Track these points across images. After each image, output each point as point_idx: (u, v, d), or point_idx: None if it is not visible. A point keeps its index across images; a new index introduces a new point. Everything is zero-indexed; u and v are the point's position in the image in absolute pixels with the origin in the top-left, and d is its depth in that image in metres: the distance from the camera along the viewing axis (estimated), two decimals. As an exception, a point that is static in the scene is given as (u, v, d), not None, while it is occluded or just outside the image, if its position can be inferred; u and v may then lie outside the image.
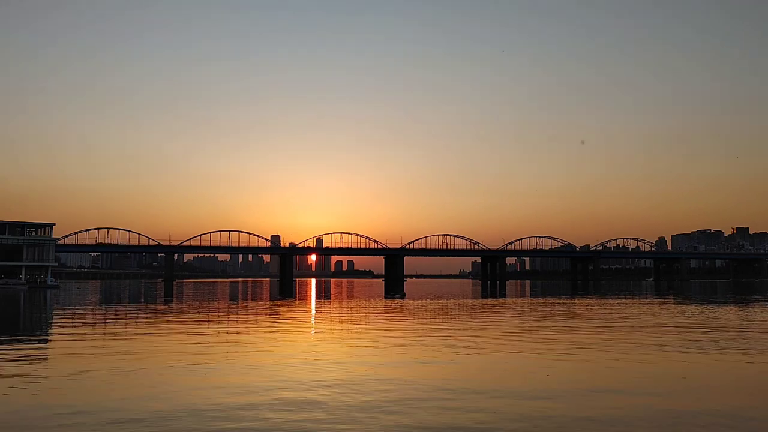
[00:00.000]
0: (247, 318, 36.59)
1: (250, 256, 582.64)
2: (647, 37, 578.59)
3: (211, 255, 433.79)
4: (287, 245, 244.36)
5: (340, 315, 40.21)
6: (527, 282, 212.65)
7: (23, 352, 20.24)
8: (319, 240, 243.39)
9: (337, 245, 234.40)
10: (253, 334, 26.13)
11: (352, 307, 48.77)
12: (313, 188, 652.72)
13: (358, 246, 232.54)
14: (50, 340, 24.71)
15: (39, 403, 12.25)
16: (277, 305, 52.15)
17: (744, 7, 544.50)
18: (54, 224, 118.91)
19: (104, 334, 27.13)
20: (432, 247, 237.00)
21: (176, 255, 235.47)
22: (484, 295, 77.80)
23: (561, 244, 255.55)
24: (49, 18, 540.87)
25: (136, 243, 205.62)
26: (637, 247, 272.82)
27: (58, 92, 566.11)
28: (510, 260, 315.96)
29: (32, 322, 34.57)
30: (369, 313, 42.05)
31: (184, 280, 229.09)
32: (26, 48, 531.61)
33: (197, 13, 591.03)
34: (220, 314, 39.90)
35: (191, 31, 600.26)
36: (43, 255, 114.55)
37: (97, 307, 48.71)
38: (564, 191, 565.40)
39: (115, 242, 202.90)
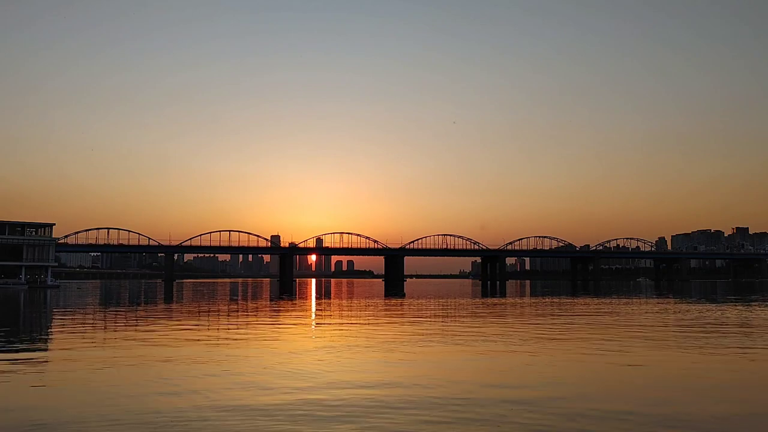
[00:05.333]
0: (247, 318, 36.58)
1: (250, 256, 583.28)
2: (647, 38, 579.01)
3: (211, 255, 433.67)
4: (287, 245, 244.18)
5: (341, 314, 40.17)
6: (527, 282, 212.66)
7: (22, 352, 20.23)
8: (319, 240, 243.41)
9: (337, 245, 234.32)
10: (253, 334, 26.11)
11: (352, 307, 48.76)
12: (313, 188, 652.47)
13: (358, 246, 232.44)
14: (50, 340, 24.68)
15: (37, 403, 12.24)
16: (277, 305, 52.13)
17: (744, 7, 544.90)
18: (54, 224, 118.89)
19: (104, 333, 27.13)
20: (432, 247, 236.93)
21: (176, 255, 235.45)
22: (485, 295, 77.83)
23: (561, 244, 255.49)
24: (50, 18, 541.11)
25: (136, 243, 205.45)
26: (637, 247, 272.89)
27: (58, 92, 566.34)
28: (510, 260, 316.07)
29: (32, 322, 34.55)
30: (370, 312, 42.02)
31: (184, 280, 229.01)
32: (27, 48, 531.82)
33: (198, 14, 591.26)
34: (220, 314, 39.89)
35: (192, 31, 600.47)
36: (43, 255, 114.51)
37: (97, 307, 48.70)
38: (564, 191, 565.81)
39: (116, 242, 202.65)
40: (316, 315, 39.59)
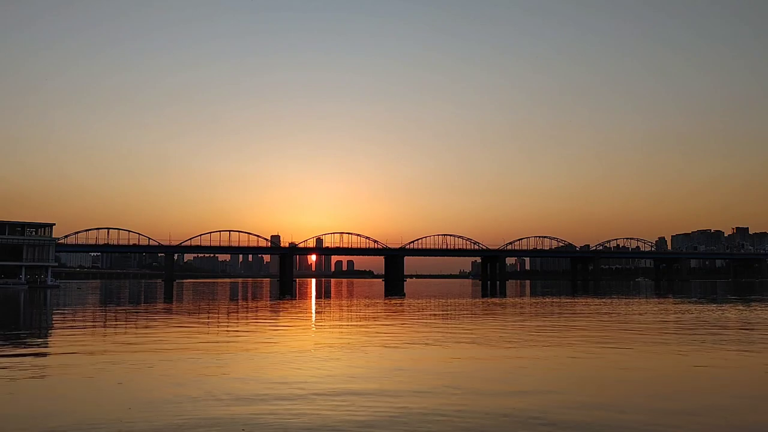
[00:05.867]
0: (247, 318, 36.59)
1: (250, 256, 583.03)
2: (647, 38, 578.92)
3: (211, 255, 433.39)
4: (287, 245, 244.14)
5: (341, 315, 40.15)
6: (527, 282, 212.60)
7: (22, 353, 20.22)
8: (319, 240, 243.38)
9: (337, 245, 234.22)
10: (253, 334, 26.13)
11: (352, 308, 48.75)
12: (313, 188, 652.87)
13: (358, 246, 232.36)
14: (50, 340, 24.67)
15: (37, 404, 12.24)
16: (277, 305, 52.12)
17: (743, 7, 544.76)
18: (54, 224, 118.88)
19: (103, 334, 27.13)
20: (432, 247, 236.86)
21: (176, 255, 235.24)
22: (485, 295, 77.82)
23: (561, 244, 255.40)
24: (51, 18, 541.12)
25: (136, 243, 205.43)
26: (637, 247, 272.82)
27: (59, 92, 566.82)
28: (510, 260, 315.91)
29: (32, 322, 34.53)
30: (370, 313, 42.01)
31: (184, 280, 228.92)
32: (28, 47, 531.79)
33: (198, 14, 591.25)
34: (219, 314, 39.88)
35: (192, 31, 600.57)
36: (43, 255, 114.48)
37: (97, 307, 48.69)
38: (564, 191, 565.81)
39: (116, 242, 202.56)
40: (315, 316, 39.57)
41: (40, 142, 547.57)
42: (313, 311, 43.85)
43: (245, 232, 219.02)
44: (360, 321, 34.23)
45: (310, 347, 21.48)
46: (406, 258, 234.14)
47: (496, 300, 62.32)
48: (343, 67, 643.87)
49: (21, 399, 12.45)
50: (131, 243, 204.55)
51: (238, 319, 35.47)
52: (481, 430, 9.96)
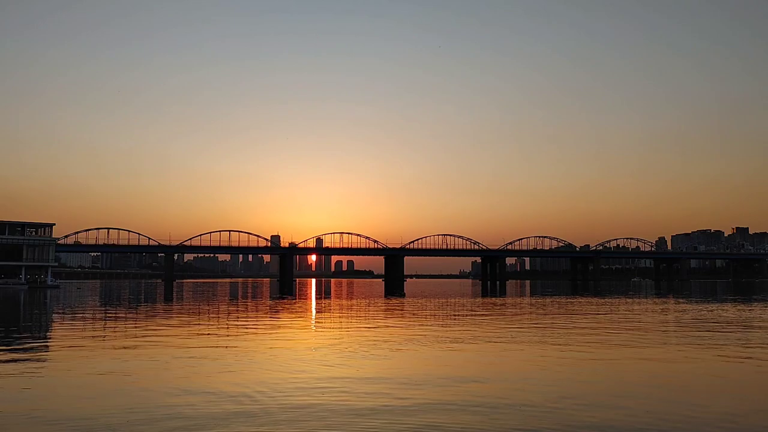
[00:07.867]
0: (246, 318, 36.56)
1: (250, 256, 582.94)
2: (646, 38, 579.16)
3: (212, 255, 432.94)
4: (287, 245, 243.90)
5: (341, 315, 40.10)
6: (527, 282, 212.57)
7: (21, 353, 20.18)
8: (319, 240, 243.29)
9: (337, 245, 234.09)
10: (254, 334, 26.09)
11: (352, 307, 48.70)
12: (313, 188, 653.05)
13: (358, 246, 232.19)
14: (49, 340, 24.62)
15: (38, 405, 12.20)
16: (276, 305, 52.07)
17: (742, 8, 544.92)
18: (54, 224, 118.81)
19: (102, 334, 27.09)
20: (432, 247, 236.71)
21: (176, 255, 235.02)
22: (485, 295, 77.79)
23: (561, 244, 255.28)
24: (52, 18, 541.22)
25: (136, 243, 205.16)
26: (637, 247, 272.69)
27: (60, 92, 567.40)
28: (510, 260, 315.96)
29: (32, 322, 34.48)
30: (370, 313, 41.97)
31: (184, 280, 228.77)
32: (29, 47, 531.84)
33: (201, 15, 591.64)
34: (220, 314, 39.84)
35: (194, 32, 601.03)
36: (43, 255, 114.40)
37: (97, 307, 48.65)
38: (564, 191, 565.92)
39: (116, 242, 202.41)
40: (315, 316, 39.52)
41: (41, 141, 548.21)
42: (313, 312, 43.78)
43: (245, 232, 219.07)
44: (360, 322, 34.17)
45: (310, 348, 21.44)
46: (406, 258, 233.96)
47: (497, 300, 62.28)
48: (343, 68, 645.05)
49: (21, 399, 12.41)
50: (131, 243, 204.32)
51: (236, 320, 35.42)
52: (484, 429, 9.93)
